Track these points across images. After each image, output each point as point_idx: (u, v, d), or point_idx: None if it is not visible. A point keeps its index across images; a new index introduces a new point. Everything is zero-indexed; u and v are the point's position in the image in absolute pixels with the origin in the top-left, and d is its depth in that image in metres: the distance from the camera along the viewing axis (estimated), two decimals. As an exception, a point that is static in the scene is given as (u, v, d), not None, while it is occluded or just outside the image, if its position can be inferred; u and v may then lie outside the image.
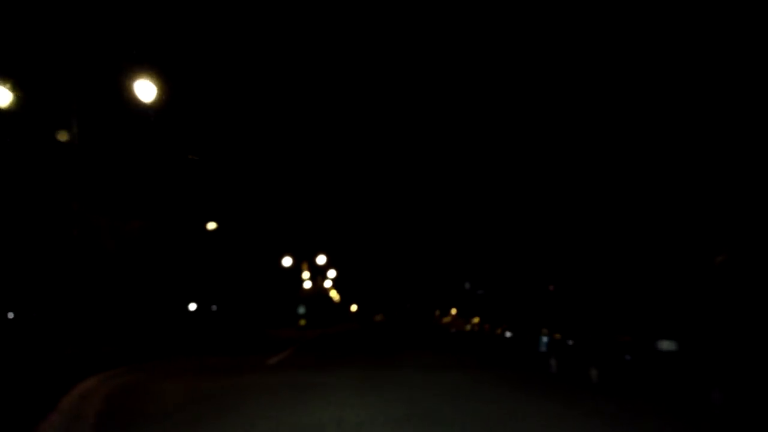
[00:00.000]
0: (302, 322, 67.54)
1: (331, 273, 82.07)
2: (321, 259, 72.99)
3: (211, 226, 46.37)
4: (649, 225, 25.45)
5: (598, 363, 11.84)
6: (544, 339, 16.05)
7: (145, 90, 17.72)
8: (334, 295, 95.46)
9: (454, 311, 31.75)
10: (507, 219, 38.15)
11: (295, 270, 72.26)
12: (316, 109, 75.03)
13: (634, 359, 10.99)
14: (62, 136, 28.73)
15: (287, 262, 67.96)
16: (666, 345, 10.57)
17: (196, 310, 55.61)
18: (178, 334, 38.36)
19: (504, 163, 38.35)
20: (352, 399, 11.31)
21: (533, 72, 33.19)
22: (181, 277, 48.62)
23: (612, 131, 27.18)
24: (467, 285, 39.15)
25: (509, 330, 19.09)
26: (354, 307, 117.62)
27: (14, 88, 16.82)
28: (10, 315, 34.47)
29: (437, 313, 38.02)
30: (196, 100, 41.40)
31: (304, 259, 73.10)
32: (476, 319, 24.75)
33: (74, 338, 27.77)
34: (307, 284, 76.14)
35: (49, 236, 26.14)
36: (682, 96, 22.52)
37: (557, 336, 14.57)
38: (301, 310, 69.06)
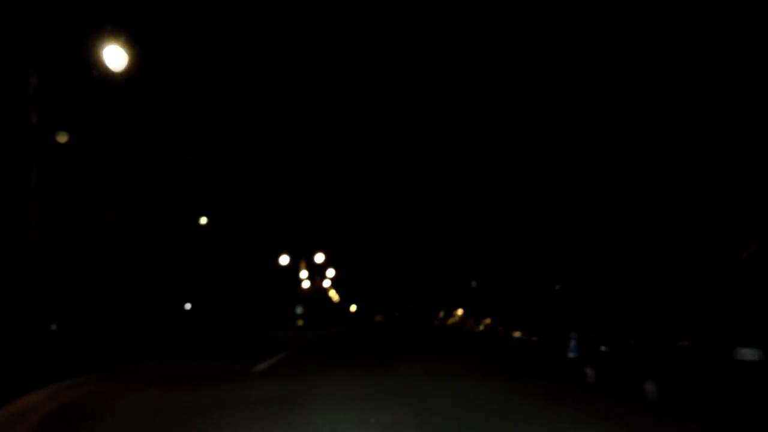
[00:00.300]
0: (300, 322, 65.44)
1: (330, 272, 79.95)
2: (319, 258, 70.77)
3: (203, 221, 44.16)
4: (668, 217, 23.79)
5: (655, 374, 9.57)
6: (574, 343, 13.82)
7: (115, 57, 15.42)
8: (333, 295, 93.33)
9: (461, 312, 29.44)
10: (511, 214, 36.16)
11: (293, 269, 70.15)
12: (315, 103, 72.83)
13: (704, 370, 8.73)
14: (61, 138, 26.72)
15: (284, 260, 65.88)
16: (749, 354, 8.32)
17: (188, 309, 53.57)
18: (167, 335, 36.41)
19: (507, 157, 36.52)
20: (350, 422, 9.03)
21: (537, 69, 32.06)
22: (170, 275, 46.61)
23: (631, 121, 25.85)
24: (474, 284, 36.81)
25: (527, 332, 16.86)
26: (353, 308, 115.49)
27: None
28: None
29: (441, 313, 35.77)
30: (193, 93, 39.55)
31: (302, 257, 70.98)
32: (488, 320, 22.48)
33: (37, 341, 25.51)
34: (306, 284, 74.03)
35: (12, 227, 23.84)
36: (697, 88, 21.95)
37: (599, 342, 12.29)
38: (299, 310, 66.95)
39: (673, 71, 22.75)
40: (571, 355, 13.90)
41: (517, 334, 17.12)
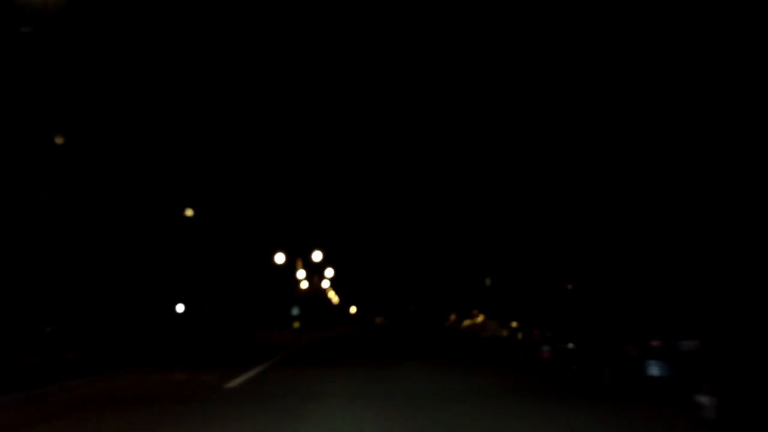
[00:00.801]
0: (296, 324, 61.73)
1: (329, 272, 76.01)
2: (317, 256, 66.66)
3: (190, 213, 40.26)
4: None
5: None
6: (660, 355, 9.91)
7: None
8: (332, 296, 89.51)
9: (479, 313, 25.44)
10: (523, 203, 32.70)
11: (289, 268, 66.34)
12: (312, 93, 69.13)
13: None
14: (59, 140, 26.02)
15: (280, 258, 62.06)
16: None
17: (180, 311, 50.09)
18: (149, 340, 32.91)
19: (515, 145, 33.67)
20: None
21: (544, 64, 30.71)
22: (160, 274, 43.18)
23: (647, 115, 24.60)
24: (488, 281, 32.74)
25: (578, 340, 12.99)
26: (353, 309, 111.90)
27: None
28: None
29: (453, 316, 31.83)
30: (187, 85, 37.24)
31: (299, 255, 67.10)
32: (515, 323, 18.53)
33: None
34: (304, 284, 70.25)
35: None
36: (708, 81, 21.45)
37: (729, 356, 8.34)
38: (295, 311, 63.17)
39: (688, 67, 22.27)
40: (655, 372, 9.95)
41: (570, 345, 13.10)
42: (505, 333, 18.69)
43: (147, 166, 38.18)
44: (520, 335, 17.17)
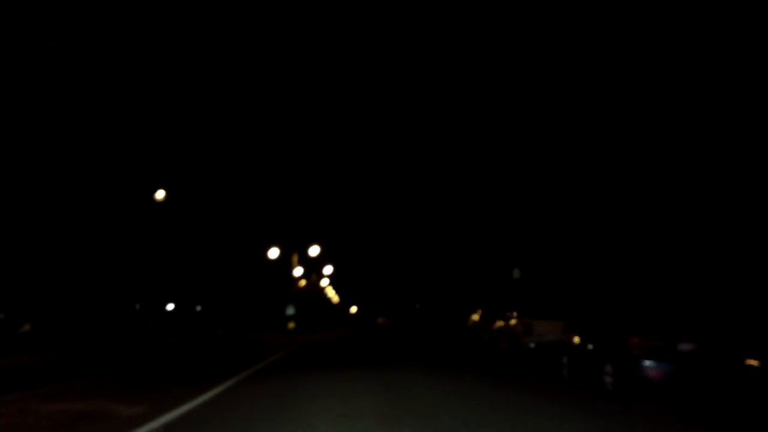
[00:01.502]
0: (291, 325, 56.81)
1: (328, 269, 70.62)
2: (314, 250, 61.10)
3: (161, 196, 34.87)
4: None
5: None
6: None
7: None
8: (332, 295, 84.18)
9: (514, 319, 19.53)
10: (551, 181, 28.00)
11: (284, 264, 61.01)
12: (311, 84, 64.46)
13: None
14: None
15: (274, 253, 56.74)
16: None
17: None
18: (116, 342, 28.93)
19: (526, 127, 29.57)
20: None
21: (556, 58, 29.67)
22: (138, 269, 38.51)
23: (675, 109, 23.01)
24: (516, 273, 26.92)
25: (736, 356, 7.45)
26: (354, 309, 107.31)
27: None
28: None
29: (476, 315, 26.25)
30: (185, 80, 37.09)
31: (295, 250, 61.78)
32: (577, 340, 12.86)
33: None
34: (301, 282, 65.02)
35: None
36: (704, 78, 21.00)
37: None
38: (290, 311, 57.99)
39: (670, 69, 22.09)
40: None
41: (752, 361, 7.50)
42: (576, 339, 12.96)
43: (138, 159, 35.29)
44: (613, 345, 11.42)
